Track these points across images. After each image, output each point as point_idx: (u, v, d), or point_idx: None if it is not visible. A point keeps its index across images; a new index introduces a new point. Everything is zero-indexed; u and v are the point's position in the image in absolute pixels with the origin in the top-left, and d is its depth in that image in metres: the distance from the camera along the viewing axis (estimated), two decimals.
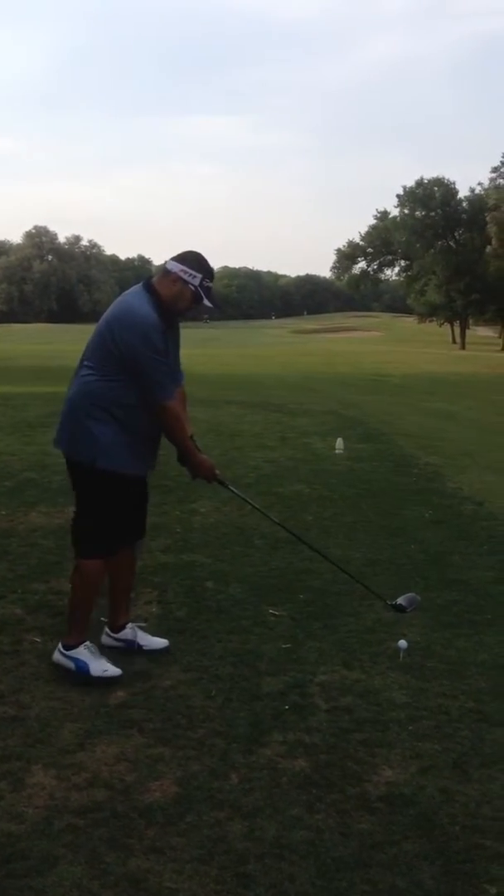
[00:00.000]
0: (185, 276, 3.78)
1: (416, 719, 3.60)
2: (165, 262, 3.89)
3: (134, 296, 3.83)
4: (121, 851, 2.64)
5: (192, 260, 3.83)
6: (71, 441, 3.86)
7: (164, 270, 3.85)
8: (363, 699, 3.77)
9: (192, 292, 3.80)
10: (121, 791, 2.98)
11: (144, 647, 4.20)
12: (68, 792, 2.96)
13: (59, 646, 3.91)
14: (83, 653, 3.84)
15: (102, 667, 3.83)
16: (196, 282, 3.79)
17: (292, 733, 3.44)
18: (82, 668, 3.80)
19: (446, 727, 3.55)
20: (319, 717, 3.60)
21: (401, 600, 4.44)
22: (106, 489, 3.83)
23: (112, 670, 3.83)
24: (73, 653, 3.84)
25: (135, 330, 3.68)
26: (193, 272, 3.78)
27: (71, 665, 3.82)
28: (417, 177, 71.53)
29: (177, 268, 3.79)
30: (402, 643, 4.20)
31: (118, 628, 4.23)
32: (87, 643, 3.89)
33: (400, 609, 4.40)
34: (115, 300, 3.94)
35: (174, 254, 3.90)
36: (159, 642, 4.24)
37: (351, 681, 3.94)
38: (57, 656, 3.89)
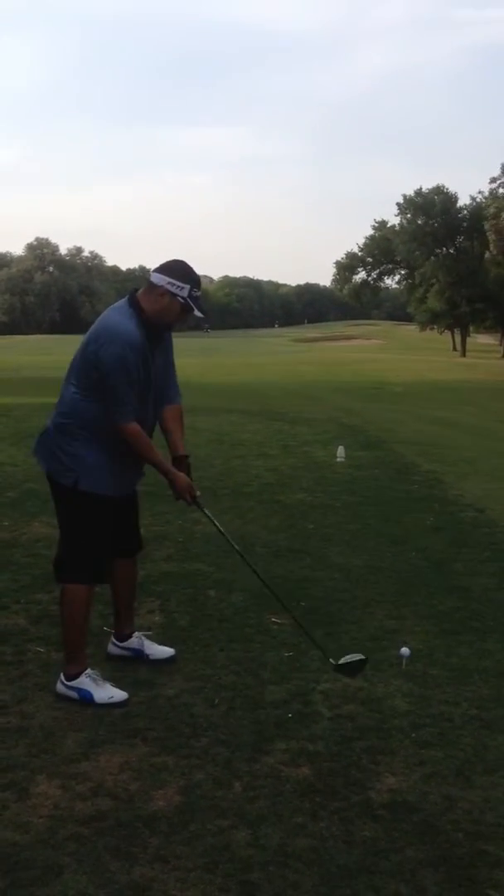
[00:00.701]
0: (173, 289, 3.66)
1: (419, 727, 3.60)
2: (150, 275, 3.77)
3: (117, 311, 3.75)
4: (125, 860, 2.65)
5: (178, 271, 3.72)
6: (53, 461, 3.79)
7: (149, 284, 3.73)
8: (366, 707, 3.77)
9: (181, 304, 3.70)
10: (125, 800, 2.99)
11: (151, 657, 4.20)
12: (73, 801, 2.97)
13: (62, 676, 3.83)
14: (85, 682, 3.78)
15: (107, 693, 3.76)
16: (185, 293, 3.68)
17: (295, 741, 3.44)
18: (86, 698, 3.74)
19: (449, 734, 3.55)
20: (322, 724, 3.60)
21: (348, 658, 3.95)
22: (87, 511, 3.76)
23: (117, 695, 3.76)
24: (75, 683, 3.78)
25: (112, 348, 3.59)
26: (181, 283, 3.67)
27: (74, 695, 3.76)
28: (416, 186, 71.64)
29: (163, 280, 3.67)
30: (405, 650, 4.21)
31: (124, 637, 4.24)
32: (89, 671, 3.82)
33: (340, 669, 3.91)
34: (101, 315, 3.85)
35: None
36: (166, 651, 4.24)
37: (354, 689, 3.95)
38: (60, 688, 3.82)
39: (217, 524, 4.09)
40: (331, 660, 3.91)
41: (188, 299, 3.70)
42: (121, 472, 3.86)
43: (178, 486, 3.89)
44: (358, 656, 3.92)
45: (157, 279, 3.70)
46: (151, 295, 3.71)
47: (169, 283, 3.68)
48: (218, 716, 3.65)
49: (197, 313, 3.77)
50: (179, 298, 3.69)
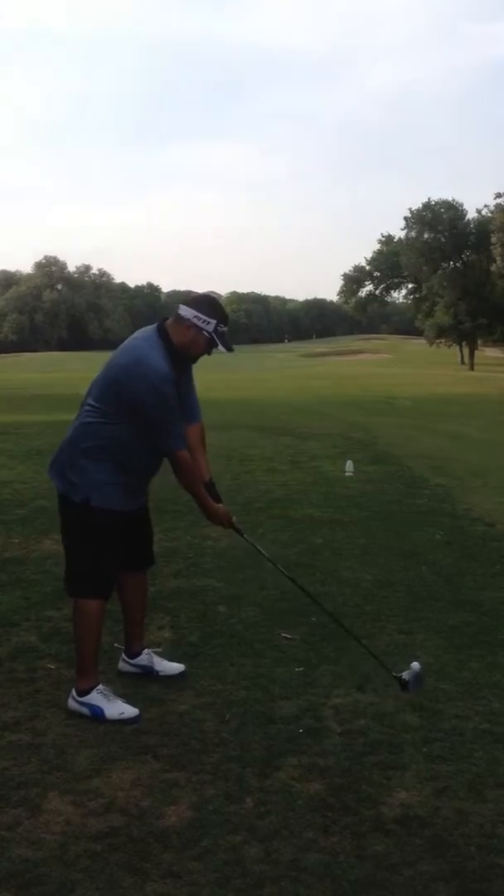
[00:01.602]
0: (200, 323, 3.72)
1: (431, 741, 3.60)
2: (179, 307, 3.81)
3: (146, 342, 3.77)
4: (137, 876, 2.65)
5: (206, 305, 3.79)
6: (66, 478, 3.82)
7: (177, 316, 3.77)
8: (377, 722, 3.77)
9: (207, 338, 3.75)
10: (137, 816, 2.99)
11: (161, 673, 4.21)
12: (85, 818, 2.98)
13: (73, 692, 3.84)
14: (97, 698, 3.78)
15: (118, 709, 3.76)
16: (210, 328, 3.74)
17: (307, 757, 3.44)
18: (97, 714, 3.75)
19: (461, 749, 3.54)
20: (334, 740, 3.60)
21: (406, 675, 3.96)
22: (99, 526, 3.80)
23: (129, 712, 3.76)
24: (86, 699, 3.79)
25: (146, 383, 3.62)
26: (207, 318, 3.73)
27: (86, 711, 3.77)
28: (424, 199, 71.70)
29: (190, 314, 3.73)
30: (416, 665, 4.20)
31: (134, 654, 4.25)
32: (100, 687, 3.83)
33: (403, 685, 3.94)
34: (127, 342, 3.88)
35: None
36: (176, 667, 4.25)
37: (364, 703, 3.95)
38: (71, 703, 3.83)
39: (259, 548, 4.23)
40: (394, 674, 3.96)
41: (213, 334, 3.76)
42: (131, 489, 3.91)
43: (217, 518, 4.02)
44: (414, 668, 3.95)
45: (186, 312, 3.75)
46: (180, 327, 3.76)
47: (196, 316, 3.73)
48: (229, 732, 3.65)
49: (221, 349, 3.82)
50: (205, 332, 3.75)
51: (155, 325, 3.85)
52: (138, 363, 3.69)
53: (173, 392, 3.71)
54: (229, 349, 3.86)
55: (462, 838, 2.90)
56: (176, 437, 3.76)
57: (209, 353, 3.86)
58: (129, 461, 3.80)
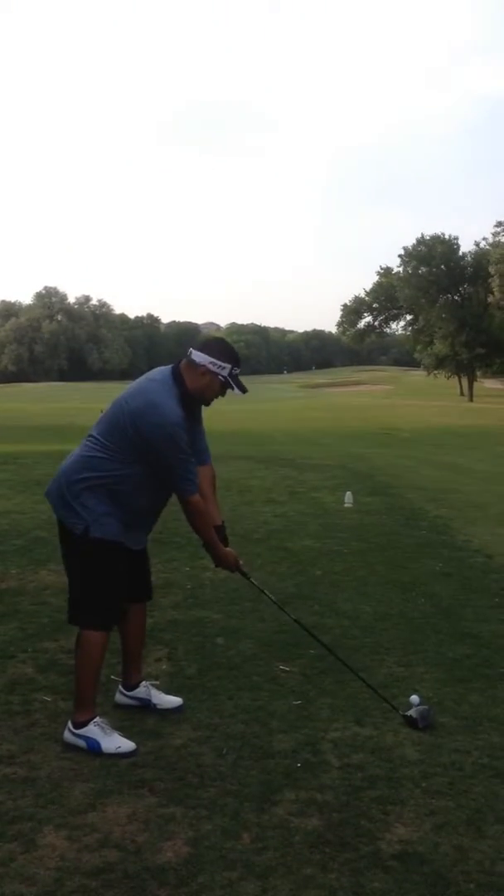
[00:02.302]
0: (214, 368, 3.77)
1: (430, 776, 3.56)
2: (191, 352, 3.83)
3: (160, 386, 3.77)
4: None
5: (219, 350, 3.82)
6: (65, 508, 3.82)
7: (190, 361, 3.80)
8: (376, 756, 3.74)
9: (221, 382, 3.81)
10: (132, 852, 2.96)
11: (159, 706, 4.17)
12: (80, 853, 2.94)
13: (69, 724, 3.82)
14: (93, 731, 3.76)
15: (115, 743, 3.73)
16: (225, 372, 3.79)
17: (304, 791, 3.41)
18: (94, 747, 3.72)
19: (460, 784, 3.51)
20: (332, 774, 3.57)
21: (413, 713, 4.05)
22: (101, 557, 3.79)
23: (125, 745, 3.73)
24: (83, 731, 3.76)
25: (161, 429, 3.64)
26: (222, 363, 3.78)
27: (82, 744, 3.74)
28: (419, 234, 72.91)
29: (205, 360, 3.76)
30: (415, 698, 4.18)
31: (132, 686, 4.22)
32: (97, 720, 3.80)
33: (412, 723, 4.00)
34: (142, 382, 3.88)
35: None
36: (173, 701, 4.22)
37: (363, 737, 3.92)
38: (67, 736, 3.80)
39: (267, 593, 4.32)
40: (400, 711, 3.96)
41: (228, 378, 3.81)
42: (131, 526, 3.90)
43: (226, 563, 4.08)
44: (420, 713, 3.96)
45: (200, 358, 3.78)
46: (194, 373, 3.79)
47: (211, 362, 3.77)
48: (226, 766, 3.62)
49: (236, 392, 3.90)
50: (220, 377, 3.80)
51: (170, 368, 3.87)
52: (153, 409, 3.69)
53: (186, 437, 3.73)
54: (243, 391, 3.92)
55: (462, 875, 2.86)
56: (187, 482, 3.78)
57: (223, 395, 3.91)
58: (128, 499, 3.81)
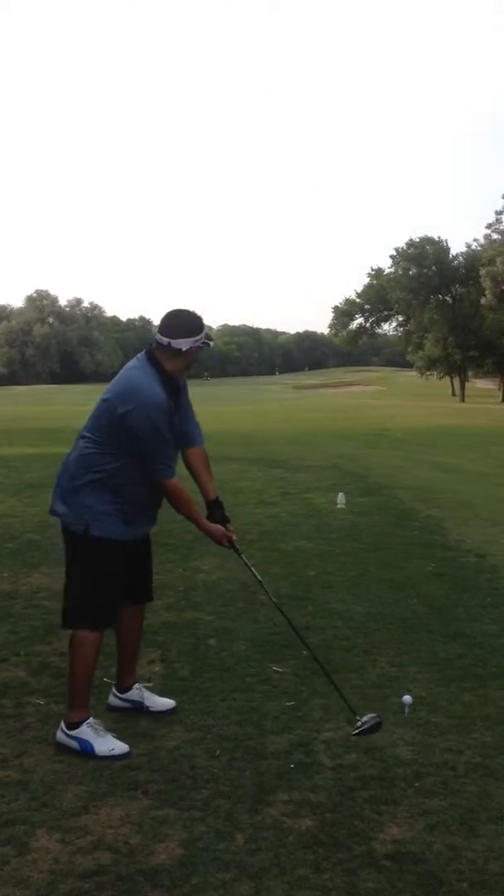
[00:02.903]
0: (199, 344, 3.83)
1: (422, 775, 3.57)
2: (170, 342, 3.78)
3: (139, 371, 3.81)
4: None
5: (191, 326, 3.81)
6: (67, 509, 3.84)
7: (172, 349, 3.78)
8: (368, 756, 3.74)
9: (197, 349, 3.84)
10: (126, 854, 2.96)
11: (151, 709, 4.17)
12: (73, 856, 2.94)
13: (62, 724, 3.82)
14: (86, 732, 3.76)
15: (108, 745, 3.73)
16: (199, 343, 3.83)
17: (298, 792, 3.41)
18: (86, 749, 3.72)
19: (453, 783, 3.52)
20: (325, 774, 3.57)
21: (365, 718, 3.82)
22: (100, 557, 3.81)
23: (118, 748, 3.73)
24: (76, 732, 3.76)
25: (141, 411, 3.65)
26: (199, 336, 3.82)
27: (75, 745, 3.74)
28: (408, 236, 73.32)
29: (188, 343, 3.78)
30: (407, 698, 4.18)
31: (125, 688, 4.22)
32: (90, 721, 3.80)
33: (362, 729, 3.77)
34: (121, 372, 3.92)
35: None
36: (166, 703, 4.22)
37: (356, 737, 3.92)
38: (60, 736, 3.80)
39: (254, 571, 4.18)
40: (353, 733, 3.83)
41: (206, 342, 3.90)
42: (133, 521, 3.91)
43: (216, 538, 4.06)
44: (373, 720, 3.82)
45: (182, 344, 3.78)
46: (168, 352, 3.80)
47: (194, 341, 3.80)
48: (219, 767, 3.62)
49: (210, 343, 3.96)
50: (201, 345, 3.86)
51: (144, 353, 3.89)
52: (134, 392, 3.72)
53: (166, 421, 3.74)
54: (210, 339, 3.98)
55: (454, 874, 2.87)
56: (164, 466, 3.78)
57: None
58: (128, 490, 3.82)
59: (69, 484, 3.84)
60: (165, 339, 3.79)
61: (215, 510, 4.08)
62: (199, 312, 3.86)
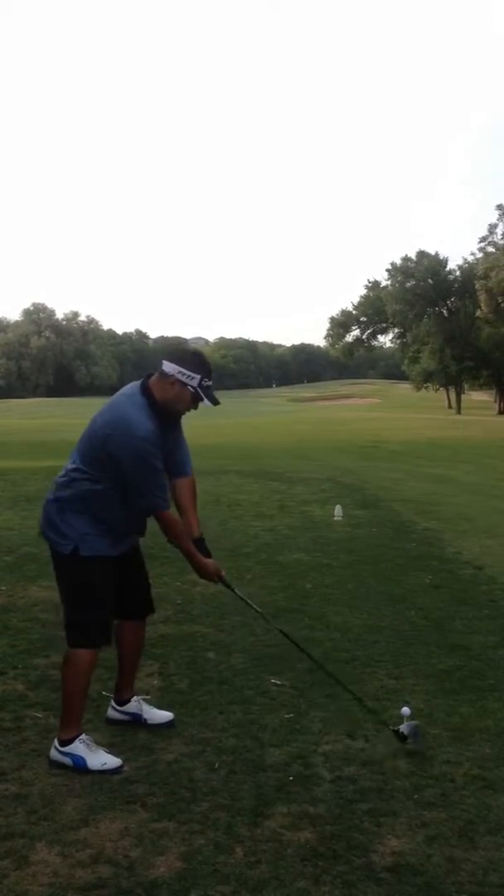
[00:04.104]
0: (184, 378, 3.70)
1: (421, 787, 3.57)
2: (162, 363, 3.78)
3: (130, 401, 3.76)
4: None
5: (189, 360, 3.76)
6: (52, 529, 3.84)
7: (161, 372, 3.75)
8: (367, 768, 3.74)
9: (192, 393, 3.74)
10: (125, 867, 2.95)
11: (150, 721, 4.17)
12: (72, 869, 2.94)
13: (55, 742, 3.81)
14: (79, 748, 3.75)
15: (100, 760, 3.73)
16: (195, 383, 3.72)
17: (297, 804, 3.41)
18: (79, 764, 3.71)
19: (451, 795, 3.52)
20: (324, 787, 3.57)
21: (404, 728, 3.99)
22: (89, 576, 3.79)
23: (111, 762, 3.73)
24: (68, 749, 3.75)
25: (131, 446, 3.62)
26: (191, 373, 3.71)
27: (68, 762, 3.73)
28: (409, 248, 73.75)
29: (174, 370, 3.71)
30: (406, 710, 4.18)
31: (124, 701, 4.21)
32: (83, 737, 3.79)
33: (402, 738, 3.96)
34: (112, 399, 3.89)
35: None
36: (164, 716, 4.21)
37: (355, 750, 3.92)
38: (53, 753, 3.79)
39: (250, 602, 4.25)
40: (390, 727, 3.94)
41: (198, 389, 3.75)
42: (118, 536, 3.90)
43: (207, 573, 4.03)
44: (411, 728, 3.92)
45: (170, 369, 3.73)
46: (164, 383, 3.75)
47: (180, 372, 3.72)
48: (218, 780, 3.62)
49: (206, 403, 3.82)
50: (190, 388, 3.73)
51: (139, 383, 3.85)
52: (121, 423, 3.69)
53: (157, 452, 3.70)
54: (215, 403, 3.84)
55: (454, 886, 2.87)
56: (158, 498, 3.74)
57: (195, 408, 3.86)
58: (107, 515, 3.79)
59: (54, 505, 3.84)
60: (163, 361, 3.78)
61: (199, 549, 4.02)
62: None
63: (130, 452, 3.63)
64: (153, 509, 3.76)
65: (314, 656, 4.53)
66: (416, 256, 71.45)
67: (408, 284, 70.78)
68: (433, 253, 71.64)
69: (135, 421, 3.66)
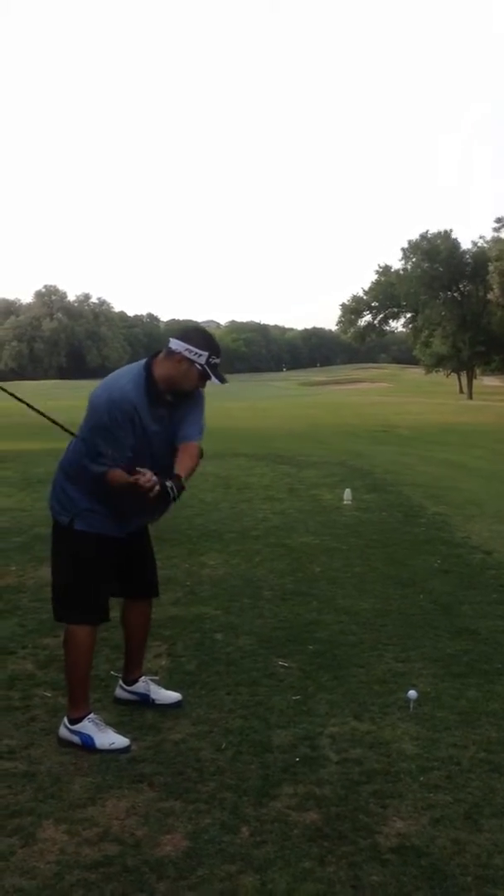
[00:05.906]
0: (191, 356, 3.66)
1: (427, 770, 3.58)
2: (169, 340, 3.75)
3: (126, 369, 3.80)
4: None
5: (197, 338, 3.73)
6: (55, 500, 3.86)
7: (168, 349, 3.71)
8: (374, 750, 3.75)
9: (199, 371, 3.70)
10: (132, 845, 2.98)
11: (157, 702, 4.19)
12: (79, 847, 2.96)
13: (65, 720, 3.84)
14: (87, 727, 3.77)
15: (109, 739, 3.75)
16: (202, 360, 3.68)
17: (303, 786, 3.42)
18: (87, 743, 3.74)
19: (457, 778, 3.52)
20: (330, 769, 3.58)
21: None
22: (84, 550, 3.78)
23: (119, 742, 3.75)
24: (77, 727, 3.78)
25: (103, 397, 3.63)
26: (199, 350, 3.67)
27: (76, 739, 3.76)
28: (422, 230, 73.29)
29: (181, 347, 3.67)
30: (412, 693, 4.19)
31: (132, 681, 4.23)
32: (91, 715, 3.82)
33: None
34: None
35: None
36: (172, 696, 4.23)
37: (361, 732, 3.93)
38: (62, 731, 3.82)
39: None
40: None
41: (206, 366, 3.71)
42: (121, 518, 3.85)
43: (144, 486, 3.53)
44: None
45: (176, 345, 3.70)
46: (170, 360, 3.71)
47: (187, 349, 3.68)
48: (225, 760, 3.64)
49: (214, 381, 3.78)
50: (197, 366, 3.70)
51: (145, 360, 3.82)
52: (105, 382, 3.73)
53: (125, 423, 3.61)
54: (222, 381, 3.81)
55: (459, 868, 2.88)
56: (94, 457, 3.62)
57: (202, 387, 3.83)
58: (103, 488, 3.69)
59: (59, 477, 3.87)
60: (170, 339, 3.76)
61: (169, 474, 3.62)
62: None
63: (101, 407, 3.62)
64: (85, 464, 3.66)
65: (320, 637, 4.52)
66: (433, 237, 70.97)
67: (423, 266, 70.34)
68: (449, 232, 71.11)
69: (115, 384, 3.68)
